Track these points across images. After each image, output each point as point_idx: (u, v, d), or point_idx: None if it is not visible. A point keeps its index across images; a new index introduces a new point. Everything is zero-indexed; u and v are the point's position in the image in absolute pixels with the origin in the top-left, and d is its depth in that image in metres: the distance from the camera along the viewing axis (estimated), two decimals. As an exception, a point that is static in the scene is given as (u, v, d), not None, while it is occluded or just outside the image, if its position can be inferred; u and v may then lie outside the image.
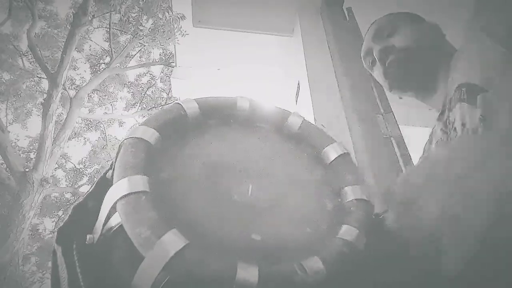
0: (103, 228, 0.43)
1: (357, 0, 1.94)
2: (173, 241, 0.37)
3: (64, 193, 9.76)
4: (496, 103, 0.61)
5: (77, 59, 9.56)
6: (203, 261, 0.37)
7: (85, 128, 10.03)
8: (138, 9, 7.31)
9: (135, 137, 0.47)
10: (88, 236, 0.43)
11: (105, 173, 0.49)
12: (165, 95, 10.13)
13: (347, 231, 0.47)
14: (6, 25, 7.92)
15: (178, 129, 0.52)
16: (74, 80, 9.73)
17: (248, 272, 0.37)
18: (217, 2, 2.17)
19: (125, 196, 0.40)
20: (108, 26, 8.09)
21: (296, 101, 2.05)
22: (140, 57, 9.49)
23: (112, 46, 8.24)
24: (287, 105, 0.62)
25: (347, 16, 1.89)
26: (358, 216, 0.49)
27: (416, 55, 0.85)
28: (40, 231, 9.60)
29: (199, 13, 2.22)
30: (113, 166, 0.45)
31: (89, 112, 9.72)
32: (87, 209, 0.48)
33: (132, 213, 0.39)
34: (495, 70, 0.65)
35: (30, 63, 8.95)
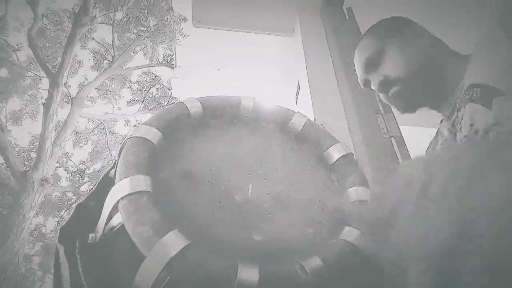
0: (105, 228, 0.43)
1: (357, 0, 1.94)
2: (174, 242, 0.37)
3: (66, 192, 9.74)
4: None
5: (77, 58, 9.54)
6: (204, 261, 0.37)
7: (87, 127, 10.02)
8: (139, 10, 7.29)
9: (138, 137, 0.47)
10: (90, 235, 0.43)
11: (108, 172, 0.49)
12: (168, 92, 10.11)
13: (349, 232, 0.46)
14: (3, 22, 7.88)
15: (181, 128, 0.52)
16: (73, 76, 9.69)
17: (249, 272, 0.37)
18: (217, 2, 2.17)
19: (127, 196, 0.40)
20: (110, 24, 8.08)
21: (296, 101, 2.05)
22: (144, 56, 9.47)
23: (114, 46, 8.23)
24: (287, 105, 0.62)
25: (347, 16, 1.89)
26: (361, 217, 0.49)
27: (413, 78, 0.83)
28: (42, 231, 9.57)
29: (199, 13, 2.22)
30: (115, 165, 0.45)
31: (87, 108, 9.69)
32: (89, 208, 0.48)
33: (134, 213, 0.39)
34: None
35: (31, 63, 8.92)
